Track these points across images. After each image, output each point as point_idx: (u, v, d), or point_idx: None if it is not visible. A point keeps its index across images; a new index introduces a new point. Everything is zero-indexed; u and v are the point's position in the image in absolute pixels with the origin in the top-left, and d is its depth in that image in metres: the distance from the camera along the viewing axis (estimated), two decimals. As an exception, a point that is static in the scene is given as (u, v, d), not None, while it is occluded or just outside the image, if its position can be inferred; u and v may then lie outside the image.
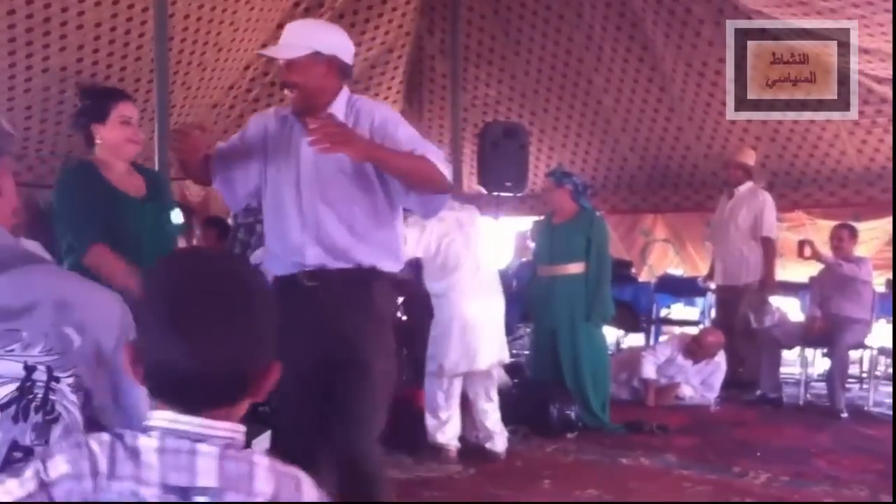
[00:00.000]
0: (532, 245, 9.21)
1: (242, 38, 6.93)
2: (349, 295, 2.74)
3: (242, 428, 1.14)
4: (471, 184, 7.88)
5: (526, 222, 10.88)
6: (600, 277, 5.50)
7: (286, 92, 2.76)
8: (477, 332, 4.75)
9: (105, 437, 1.08)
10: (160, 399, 1.12)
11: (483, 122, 8.08)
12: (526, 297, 6.07)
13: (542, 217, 6.13)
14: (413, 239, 4.68)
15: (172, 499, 1.07)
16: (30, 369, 1.20)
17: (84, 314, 1.26)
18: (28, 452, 1.19)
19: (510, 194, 7.05)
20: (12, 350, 1.20)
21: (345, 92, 2.79)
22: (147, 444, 1.08)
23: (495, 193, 6.80)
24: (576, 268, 5.48)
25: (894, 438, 4.90)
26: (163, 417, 1.11)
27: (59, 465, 1.05)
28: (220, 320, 1.12)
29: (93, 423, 1.27)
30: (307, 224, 2.75)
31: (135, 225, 3.06)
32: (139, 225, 3.08)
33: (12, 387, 1.20)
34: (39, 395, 1.20)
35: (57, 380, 1.21)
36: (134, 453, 1.07)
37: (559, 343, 5.49)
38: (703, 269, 7.85)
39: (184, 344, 1.09)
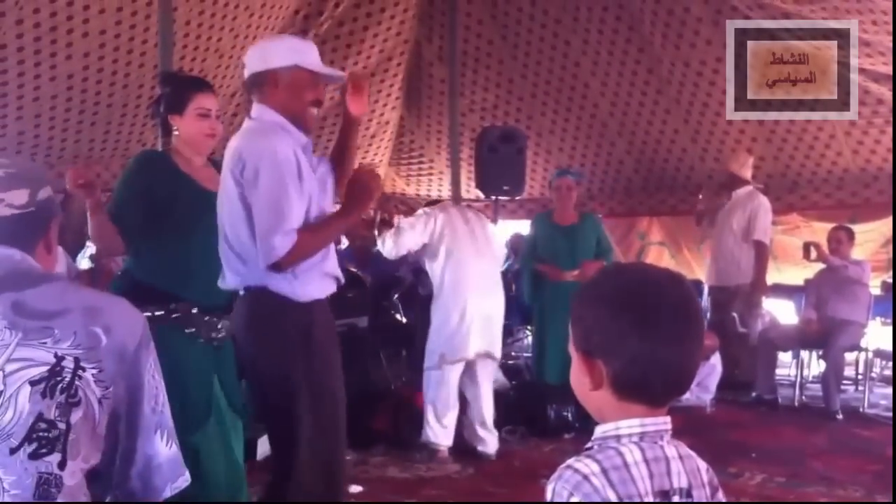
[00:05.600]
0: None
1: (243, 45, 6.97)
2: None
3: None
4: (469, 188, 7.93)
5: (524, 226, 10.95)
6: None
7: (315, 110, 2.85)
8: (470, 322, 4.86)
9: (594, 465, 1.22)
10: (632, 397, 1.26)
11: (481, 127, 8.12)
12: (535, 300, 5.89)
13: (536, 218, 6.13)
14: (419, 225, 4.87)
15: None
16: (59, 358, 1.39)
17: (111, 319, 1.46)
18: (51, 426, 1.36)
19: (508, 198, 7.09)
20: (45, 342, 1.39)
21: None
22: (632, 457, 1.23)
23: (493, 197, 6.83)
24: None
25: (894, 440, 4.93)
26: (632, 424, 1.26)
27: None
28: (698, 326, 1.29)
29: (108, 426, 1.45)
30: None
31: (210, 217, 2.90)
32: (214, 218, 2.92)
33: (43, 369, 1.38)
34: (66, 379, 1.39)
35: (83, 369, 1.40)
36: (626, 468, 1.22)
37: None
38: (699, 273, 7.87)
39: (678, 348, 1.26)
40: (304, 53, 2.81)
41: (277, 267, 2.65)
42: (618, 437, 1.25)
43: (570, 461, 1.24)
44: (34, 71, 5.92)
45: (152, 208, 2.88)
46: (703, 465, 1.31)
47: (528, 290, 5.90)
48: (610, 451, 1.24)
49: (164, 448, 1.51)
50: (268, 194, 2.64)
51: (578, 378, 1.30)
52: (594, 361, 1.27)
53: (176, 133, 3.00)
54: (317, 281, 2.83)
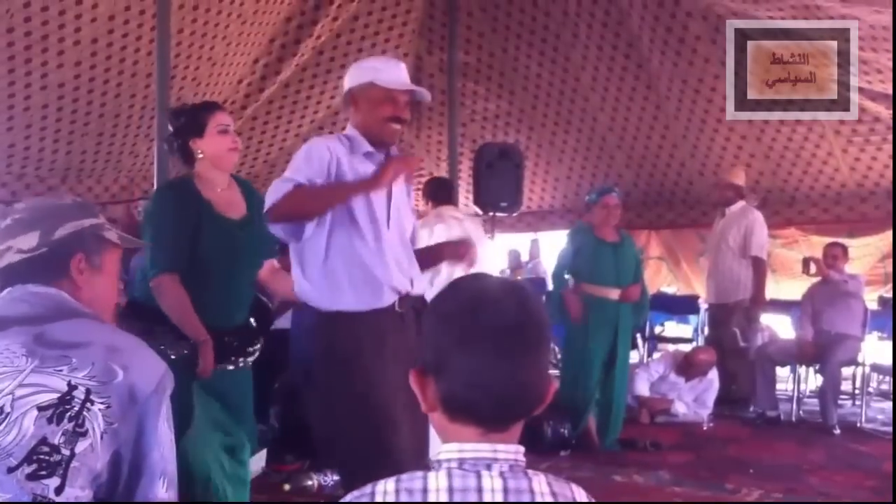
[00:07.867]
0: (534, 259, 9.14)
1: (235, 52, 6.95)
2: (418, 320, 2.80)
3: (522, 449, 1.19)
4: (468, 202, 7.91)
5: (521, 240, 10.91)
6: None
7: (395, 126, 2.84)
8: None
9: (391, 486, 1.14)
10: (461, 419, 1.17)
11: (480, 138, 8.08)
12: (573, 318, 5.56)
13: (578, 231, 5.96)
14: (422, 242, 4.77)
15: None
16: (72, 387, 1.42)
17: (130, 360, 1.50)
18: (54, 450, 1.37)
19: (505, 214, 7.06)
20: (61, 370, 1.43)
21: None
22: (436, 483, 1.13)
23: (491, 213, 6.81)
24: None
25: (894, 454, 4.91)
26: (450, 449, 1.16)
27: None
28: (531, 342, 1.19)
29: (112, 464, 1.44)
30: (395, 256, 2.86)
31: (232, 248, 2.94)
32: (236, 248, 2.96)
33: (53, 396, 1.40)
34: (75, 409, 1.41)
35: (92, 402, 1.42)
36: (422, 493, 1.13)
37: (617, 365, 5.43)
38: (697, 287, 7.85)
39: (505, 366, 1.15)
40: (380, 71, 2.86)
41: (270, 215, 2.66)
42: (439, 462, 1.17)
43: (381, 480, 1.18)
44: (25, 80, 5.89)
45: (180, 237, 2.88)
46: None
47: (559, 305, 5.62)
48: (417, 475, 1.15)
49: (163, 494, 1.52)
50: (291, 160, 2.77)
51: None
52: (427, 380, 1.19)
53: (200, 156, 2.99)
54: (351, 290, 2.78)
